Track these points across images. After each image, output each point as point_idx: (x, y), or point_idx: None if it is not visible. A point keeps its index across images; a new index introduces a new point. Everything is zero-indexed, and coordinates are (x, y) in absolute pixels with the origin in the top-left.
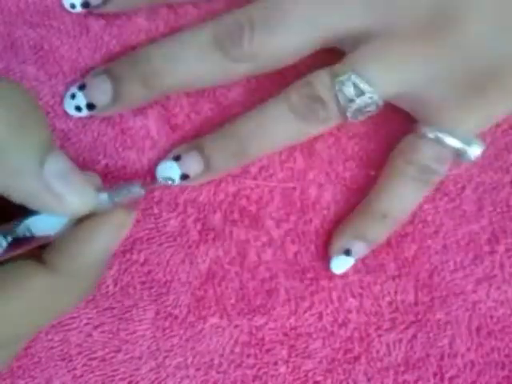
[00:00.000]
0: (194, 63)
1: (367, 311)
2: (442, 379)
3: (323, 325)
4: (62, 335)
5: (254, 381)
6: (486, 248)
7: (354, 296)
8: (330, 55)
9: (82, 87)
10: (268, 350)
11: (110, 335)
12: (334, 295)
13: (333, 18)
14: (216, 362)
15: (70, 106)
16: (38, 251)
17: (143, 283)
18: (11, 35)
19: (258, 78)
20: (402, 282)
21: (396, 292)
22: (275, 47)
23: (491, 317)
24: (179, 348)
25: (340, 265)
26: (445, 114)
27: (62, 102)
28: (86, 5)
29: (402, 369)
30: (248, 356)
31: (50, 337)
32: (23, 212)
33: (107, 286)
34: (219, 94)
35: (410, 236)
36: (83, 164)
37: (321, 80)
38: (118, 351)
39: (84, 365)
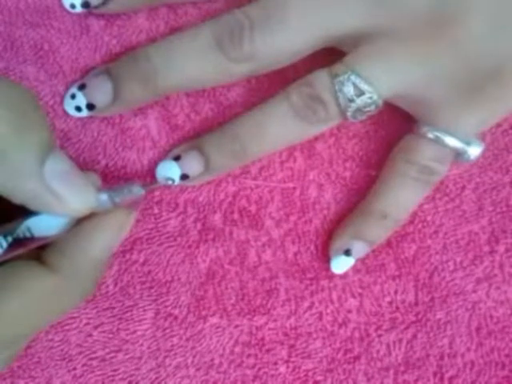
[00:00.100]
0: (193, 63)
1: (367, 311)
2: (441, 379)
3: (323, 325)
4: (62, 335)
5: (253, 381)
6: (486, 248)
7: (353, 296)
8: (330, 55)
9: (81, 87)
10: (268, 350)
11: (110, 335)
12: (334, 295)
13: (333, 18)
14: (216, 361)
15: (70, 107)
16: (37, 252)
17: (143, 283)
18: (11, 35)
19: (258, 78)
20: (402, 282)
21: (396, 292)
22: (275, 47)
23: (491, 317)
24: (179, 348)
25: (340, 265)
26: (445, 114)
27: (62, 102)
28: (86, 5)
29: (401, 369)
30: (248, 356)
31: (50, 337)
32: (23, 212)
33: (107, 286)
34: (219, 93)
35: (410, 236)
36: (83, 164)
37: (321, 80)
38: (118, 351)
39: (84, 365)
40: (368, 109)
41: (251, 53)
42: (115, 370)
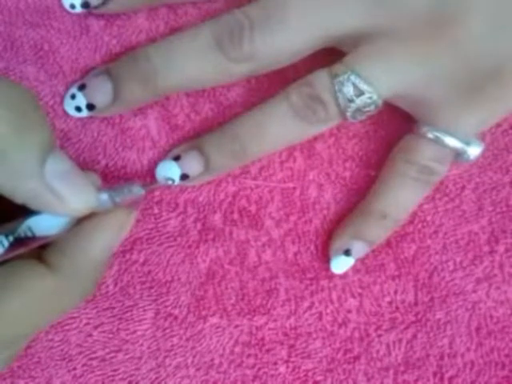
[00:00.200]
0: (193, 63)
1: (367, 311)
2: (441, 379)
3: (323, 325)
4: (62, 335)
5: (253, 381)
6: (486, 248)
7: (353, 296)
8: (330, 55)
9: (81, 88)
10: (268, 350)
11: (110, 335)
12: (334, 295)
13: (333, 18)
14: (216, 361)
15: (70, 107)
16: (38, 251)
17: (143, 283)
18: (11, 35)
19: (258, 78)
20: (402, 282)
21: (396, 292)
22: (275, 47)
23: (491, 317)
24: (179, 348)
25: (340, 265)
26: (444, 114)
27: (62, 102)
28: (85, 5)
29: (401, 369)
30: (248, 356)
31: (50, 337)
32: (24, 212)
33: (107, 286)
34: (219, 94)
35: (410, 236)
36: (83, 164)
37: (320, 80)
38: (118, 351)
39: (84, 365)
40: (368, 109)
41: (251, 53)
42: (115, 370)
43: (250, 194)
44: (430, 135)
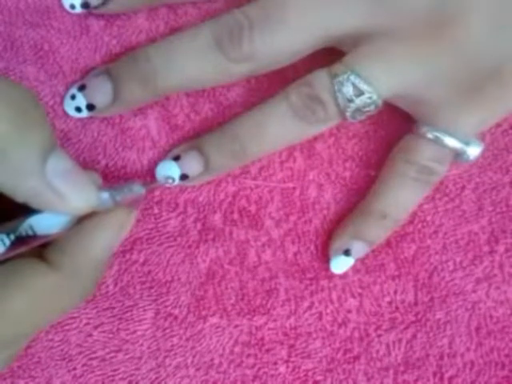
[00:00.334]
0: (193, 63)
1: (367, 311)
2: (441, 379)
3: (323, 325)
4: (62, 335)
5: (253, 381)
6: (486, 248)
7: (353, 296)
8: (330, 55)
9: (81, 88)
10: (268, 350)
11: (110, 335)
12: (334, 295)
13: (332, 17)
14: (216, 361)
15: (70, 107)
16: (39, 250)
17: (143, 283)
18: (11, 35)
19: (258, 78)
20: (402, 282)
21: (396, 292)
22: (274, 47)
23: (491, 317)
24: (179, 348)
25: (340, 265)
26: (444, 114)
27: (62, 102)
28: (85, 5)
29: (401, 368)
30: (248, 356)
31: (50, 337)
32: (25, 211)
33: (107, 286)
34: (219, 94)
35: (410, 236)
36: (83, 164)
37: (320, 80)
38: (118, 351)
39: (84, 365)
40: (367, 109)
41: (250, 53)
42: (115, 370)
43: (250, 194)
44: (429, 135)
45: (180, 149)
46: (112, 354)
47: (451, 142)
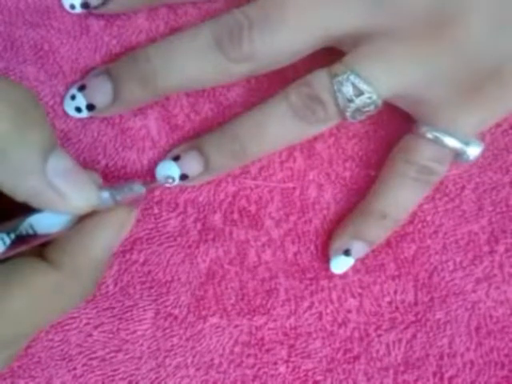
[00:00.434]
0: (193, 63)
1: (367, 311)
2: (441, 379)
3: (323, 325)
4: (62, 335)
5: (253, 381)
6: (486, 248)
7: (353, 296)
8: (330, 55)
9: (81, 88)
10: (268, 350)
11: (110, 335)
12: (334, 295)
13: (332, 17)
14: (216, 361)
15: (70, 107)
16: (39, 249)
17: (143, 283)
18: (11, 35)
19: (258, 78)
20: (402, 282)
21: (396, 292)
22: (274, 47)
23: (490, 317)
24: (179, 348)
25: (340, 265)
26: (444, 114)
27: (62, 103)
28: (85, 5)
29: (401, 368)
30: (248, 356)
31: (50, 337)
32: (26, 210)
33: (107, 286)
34: (219, 94)
35: (410, 236)
36: (83, 164)
37: (320, 80)
38: (118, 351)
39: (84, 365)
40: (367, 109)
41: (250, 53)
42: (115, 370)
43: (250, 193)
44: (429, 135)
45: (180, 149)
46: (112, 354)
47: (451, 142)
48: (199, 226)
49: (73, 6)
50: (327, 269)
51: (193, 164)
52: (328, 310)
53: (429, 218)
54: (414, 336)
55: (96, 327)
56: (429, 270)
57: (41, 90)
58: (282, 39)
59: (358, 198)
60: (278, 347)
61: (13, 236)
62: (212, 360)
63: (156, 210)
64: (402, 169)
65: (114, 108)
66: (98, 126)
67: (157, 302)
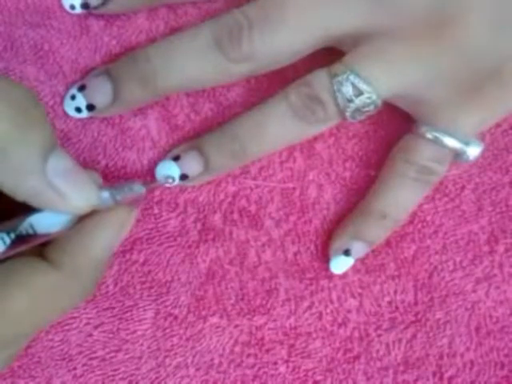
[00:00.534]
0: (193, 63)
1: (367, 311)
2: (441, 379)
3: (323, 325)
4: (62, 335)
5: (253, 380)
6: (486, 248)
7: (353, 296)
8: (330, 55)
9: (81, 88)
10: (268, 350)
11: (110, 335)
12: (334, 295)
13: (332, 17)
14: (216, 361)
15: (69, 108)
16: (39, 249)
17: (143, 283)
18: (11, 35)
19: (258, 78)
20: (402, 282)
21: (395, 292)
22: (274, 47)
23: (490, 316)
24: (179, 348)
25: (339, 265)
26: (444, 114)
27: (61, 103)
28: (85, 6)
29: (401, 368)
30: (248, 356)
31: (50, 337)
32: (26, 209)
33: (107, 286)
34: (219, 94)
35: (410, 236)
36: (83, 164)
37: (319, 80)
38: (118, 351)
39: (84, 364)
40: (367, 109)
41: (250, 53)
42: (115, 370)
43: (250, 194)
44: (429, 135)
45: (180, 149)
46: (112, 354)
47: (451, 142)
48: (199, 226)
49: (73, 7)
50: (327, 269)
51: (193, 164)
52: (328, 310)
53: (429, 218)
54: (414, 336)
55: (96, 327)
56: (429, 270)
57: (41, 90)
58: (282, 39)
59: (357, 197)
60: (277, 347)
61: (13, 236)
62: (212, 360)
63: (156, 210)
64: (401, 169)
65: (114, 108)
66: (98, 126)
67: (157, 302)
